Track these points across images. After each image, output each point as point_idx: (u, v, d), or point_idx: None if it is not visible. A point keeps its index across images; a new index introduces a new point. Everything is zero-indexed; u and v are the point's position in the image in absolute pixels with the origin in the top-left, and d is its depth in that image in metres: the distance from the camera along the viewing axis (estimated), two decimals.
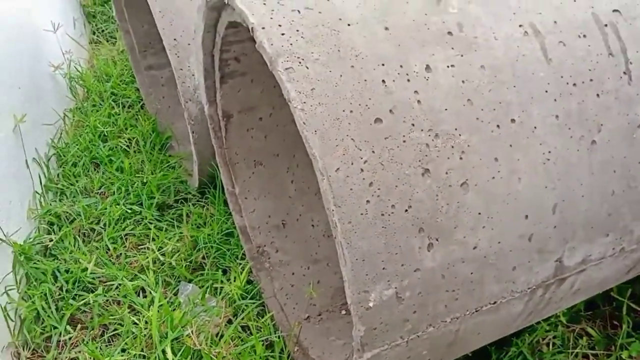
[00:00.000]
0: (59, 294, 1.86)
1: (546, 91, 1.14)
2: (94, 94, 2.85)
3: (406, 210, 1.04)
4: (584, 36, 1.20)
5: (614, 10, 1.25)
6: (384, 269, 1.04)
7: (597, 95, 1.17)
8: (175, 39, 1.91)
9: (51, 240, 2.01)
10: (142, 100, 2.84)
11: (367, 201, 1.02)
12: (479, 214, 1.09)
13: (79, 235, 2.09)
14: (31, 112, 2.25)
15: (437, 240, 1.07)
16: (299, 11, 1.16)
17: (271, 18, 1.14)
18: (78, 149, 2.47)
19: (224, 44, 1.61)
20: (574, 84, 1.16)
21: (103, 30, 3.57)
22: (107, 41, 3.49)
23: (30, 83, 2.36)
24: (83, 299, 1.84)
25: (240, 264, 1.95)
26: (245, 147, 1.91)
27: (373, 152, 1.04)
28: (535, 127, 1.13)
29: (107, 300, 1.85)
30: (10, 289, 1.79)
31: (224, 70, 1.72)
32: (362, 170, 1.02)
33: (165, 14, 1.90)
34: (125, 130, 2.63)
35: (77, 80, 2.90)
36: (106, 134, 2.57)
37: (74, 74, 2.90)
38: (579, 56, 1.18)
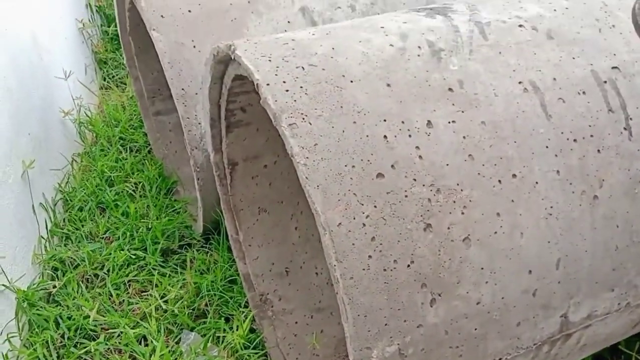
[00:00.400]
0: (61, 342, 1.85)
1: (547, 147, 1.15)
2: (102, 138, 2.89)
3: (408, 266, 1.04)
4: (584, 93, 1.22)
5: (613, 67, 1.28)
6: (386, 325, 1.03)
7: (598, 150, 1.18)
8: (183, 89, 1.96)
9: (54, 286, 2.01)
10: (149, 145, 2.87)
11: (369, 256, 1.02)
12: (482, 269, 1.09)
13: (82, 281, 2.08)
14: (40, 158, 2.28)
15: (439, 295, 1.07)
16: (303, 68, 1.20)
17: (276, 75, 1.17)
18: (85, 193, 2.50)
19: (230, 95, 1.64)
20: (575, 140, 1.17)
21: (113, 76, 3.64)
22: (117, 87, 3.56)
23: (40, 129, 2.41)
24: (85, 347, 1.82)
25: (243, 312, 1.93)
26: (249, 194, 1.92)
27: (375, 207, 1.05)
28: (536, 183, 1.13)
29: (109, 348, 1.83)
30: (12, 336, 1.78)
31: (230, 120, 1.75)
32: (364, 225, 1.03)
33: (174, 64, 1.95)
34: (132, 174, 2.65)
35: (87, 125, 2.95)
36: (113, 179, 2.59)
37: (83, 119, 2.95)
38: (579, 112, 1.20)
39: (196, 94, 1.97)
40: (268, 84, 1.15)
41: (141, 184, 2.57)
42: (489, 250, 1.09)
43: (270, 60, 1.22)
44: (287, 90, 1.14)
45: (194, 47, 2.00)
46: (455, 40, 1.31)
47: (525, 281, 1.13)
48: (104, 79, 3.65)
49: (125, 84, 3.55)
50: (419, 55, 1.25)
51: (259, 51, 1.26)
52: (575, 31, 1.34)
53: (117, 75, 3.66)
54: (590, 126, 1.19)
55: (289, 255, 1.97)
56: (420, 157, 1.09)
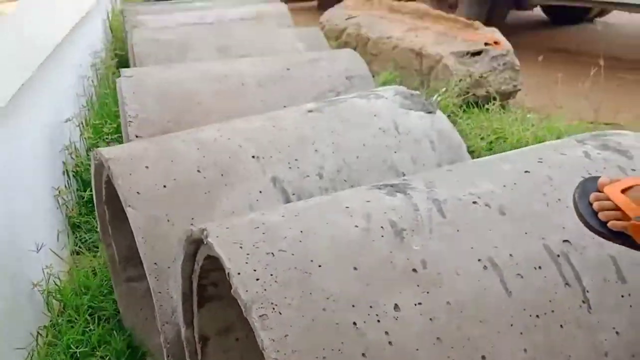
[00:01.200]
0: None
1: (511, 325, 1.19)
2: (70, 308, 2.82)
3: None
4: (540, 267, 1.29)
5: (564, 241, 1.36)
6: None
7: (561, 325, 1.22)
8: (155, 263, 1.97)
9: None
10: (119, 313, 2.81)
11: None
12: None
13: None
14: (4, 337, 2.20)
15: None
16: (273, 254, 1.25)
17: (246, 263, 1.22)
18: None
19: (203, 271, 1.67)
20: (537, 316, 1.21)
21: (86, 240, 3.65)
22: (89, 250, 3.55)
23: (7, 305, 2.35)
24: None
25: None
26: None
27: None
28: None
29: None
30: None
31: (202, 295, 1.76)
32: None
33: (147, 239, 1.99)
34: (99, 347, 2.55)
35: (55, 294, 2.89)
36: (78, 355, 2.49)
37: (52, 288, 2.90)
38: (538, 287, 1.25)
39: (169, 267, 1.99)
40: (239, 274, 1.19)
41: (108, 357, 2.47)
42: None
43: (241, 247, 1.27)
44: (257, 279, 1.17)
45: (168, 221, 2.06)
46: (415, 219, 1.39)
47: None
48: (76, 244, 3.64)
49: (98, 248, 3.55)
50: (382, 236, 1.32)
51: (230, 238, 1.32)
52: (524, 206, 1.45)
53: (89, 239, 3.67)
54: (550, 301, 1.24)
55: None
56: (390, 343, 1.11)
